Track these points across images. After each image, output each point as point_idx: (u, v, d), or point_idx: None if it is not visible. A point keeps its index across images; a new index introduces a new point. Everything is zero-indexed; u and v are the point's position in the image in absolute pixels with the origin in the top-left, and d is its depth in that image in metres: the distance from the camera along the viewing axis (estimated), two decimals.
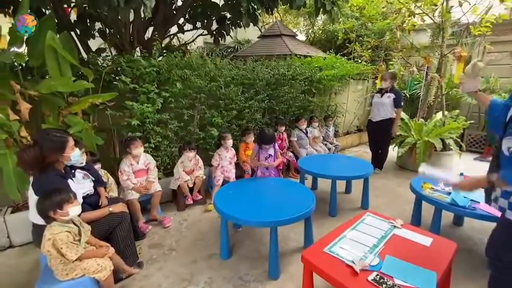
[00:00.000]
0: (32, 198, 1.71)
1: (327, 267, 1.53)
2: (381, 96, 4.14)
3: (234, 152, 3.63)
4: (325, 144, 4.86)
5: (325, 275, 1.52)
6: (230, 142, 3.47)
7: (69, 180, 1.88)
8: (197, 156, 3.32)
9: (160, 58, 3.41)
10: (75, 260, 1.65)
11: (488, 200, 1.57)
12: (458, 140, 4.44)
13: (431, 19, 4.60)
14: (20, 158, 1.69)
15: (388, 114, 4.12)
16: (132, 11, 3.29)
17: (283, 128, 4.26)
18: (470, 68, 1.67)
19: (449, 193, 2.46)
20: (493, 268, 1.53)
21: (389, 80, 4.07)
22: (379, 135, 4.30)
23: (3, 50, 2.35)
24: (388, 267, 1.51)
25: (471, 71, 1.67)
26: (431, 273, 1.47)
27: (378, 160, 4.43)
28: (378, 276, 1.44)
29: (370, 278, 1.43)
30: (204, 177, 3.38)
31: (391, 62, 6.45)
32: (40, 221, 1.68)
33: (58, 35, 2.53)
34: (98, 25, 3.88)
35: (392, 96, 4.06)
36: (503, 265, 1.45)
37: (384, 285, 1.38)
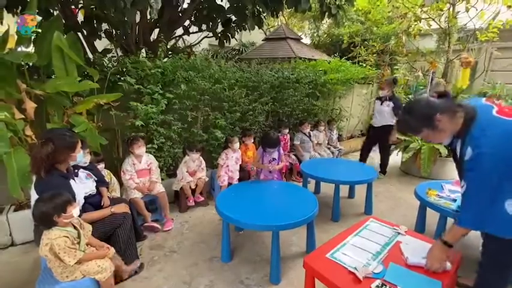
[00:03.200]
0: (34, 197, 1.71)
1: (329, 274, 1.51)
2: (381, 104, 4.14)
3: (240, 153, 3.63)
4: (329, 148, 4.83)
5: (328, 282, 1.49)
6: (237, 145, 3.48)
7: (72, 180, 1.89)
8: (201, 157, 3.32)
9: (165, 59, 3.43)
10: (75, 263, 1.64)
11: None
12: None
13: (438, 24, 4.58)
14: (33, 156, 1.71)
15: (388, 121, 4.12)
16: (138, 12, 3.32)
17: (287, 130, 4.26)
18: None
19: (454, 200, 2.43)
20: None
21: (388, 89, 4.06)
22: (379, 140, 4.32)
23: (10, 49, 2.38)
24: (392, 275, 1.48)
25: None
26: (435, 282, 1.44)
27: (380, 164, 4.43)
28: (382, 284, 1.41)
29: (373, 285, 1.41)
30: (207, 179, 3.37)
31: (396, 67, 6.43)
32: None
33: (65, 36, 2.56)
34: (104, 26, 3.92)
35: (392, 105, 4.04)
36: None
37: None
